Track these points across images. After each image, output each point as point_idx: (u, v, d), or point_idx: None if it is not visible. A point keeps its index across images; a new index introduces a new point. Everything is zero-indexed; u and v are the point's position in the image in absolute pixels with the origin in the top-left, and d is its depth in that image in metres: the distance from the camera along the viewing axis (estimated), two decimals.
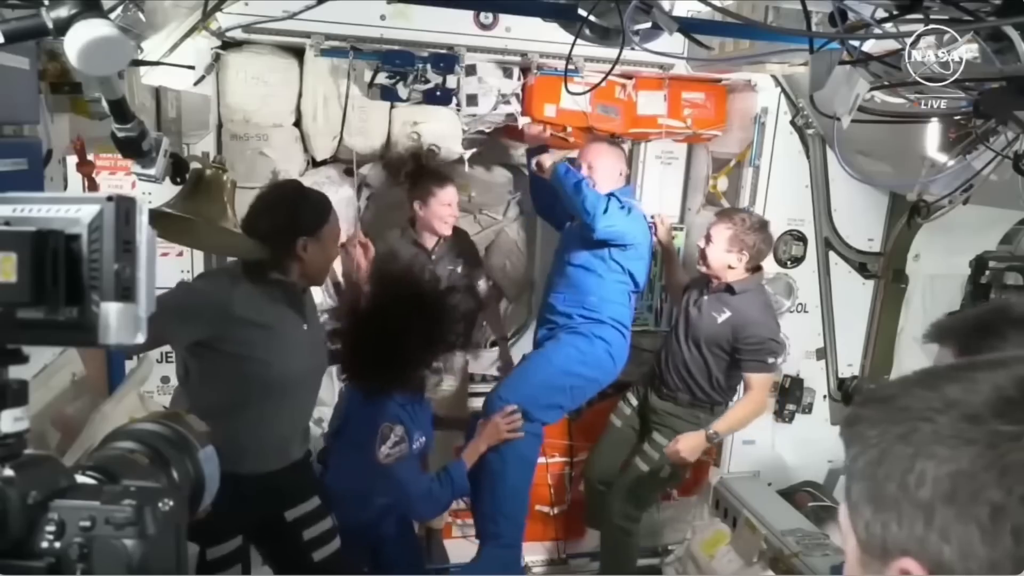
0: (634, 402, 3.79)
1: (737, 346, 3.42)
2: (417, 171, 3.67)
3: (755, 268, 3.53)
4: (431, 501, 2.94)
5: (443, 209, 3.66)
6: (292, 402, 2.45)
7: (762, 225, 3.48)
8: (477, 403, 4.86)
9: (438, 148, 3.65)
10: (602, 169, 3.60)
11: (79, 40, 1.19)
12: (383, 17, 3.32)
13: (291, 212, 2.38)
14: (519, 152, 4.16)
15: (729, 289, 3.45)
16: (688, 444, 3.46)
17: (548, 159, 3.61)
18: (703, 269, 3.52)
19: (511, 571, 3.46)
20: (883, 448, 0.70)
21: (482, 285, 4.01)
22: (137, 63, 2.40)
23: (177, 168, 2.18)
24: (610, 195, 3.50)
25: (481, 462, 3.32)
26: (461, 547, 4.28)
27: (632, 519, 3.69)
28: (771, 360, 3.45)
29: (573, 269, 3.60)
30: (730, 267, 3.43)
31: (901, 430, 0.69)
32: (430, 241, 3.76)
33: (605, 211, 3.41)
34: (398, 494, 2.84)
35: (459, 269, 3.82)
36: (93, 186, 2.39)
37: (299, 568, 2.50)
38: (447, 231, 3.75)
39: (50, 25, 1.21)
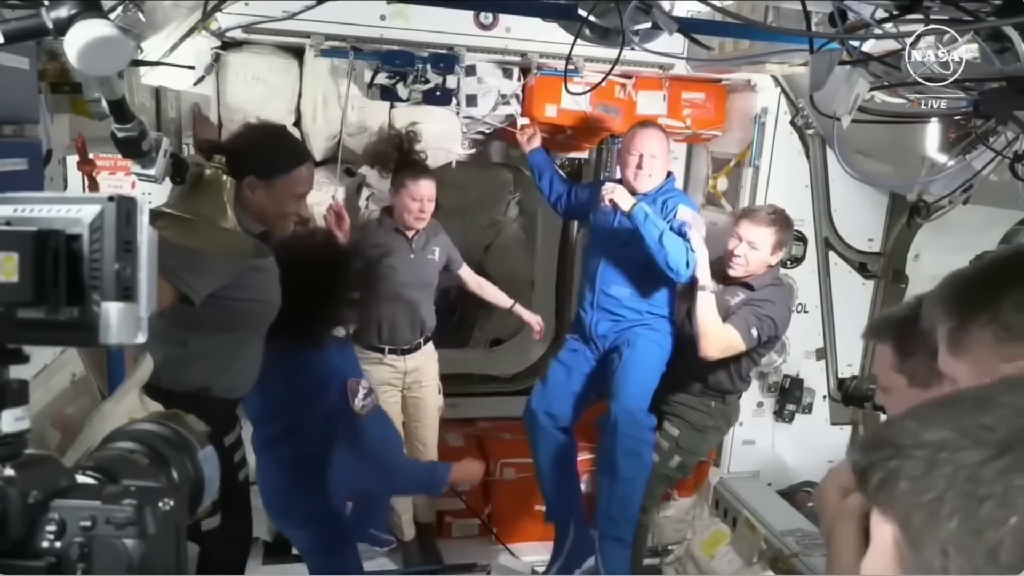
0: (652, 419, 3.66)
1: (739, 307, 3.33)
2: (398, 160, 3.55)
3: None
4: (401, 470, 2.82)
5: (411, 203, 3.55)
6: (264, 332, 2.57)
7: (787, 217, 3.43)
8: (489, 404, 4.91)
9: (416, 132, 3.56)
10: (660, 156, 3.45)
11: (79, 40, 1.19)
12: (383, 17, 3.32)
13: (247, 145, 2.36)
14: (519, 152, 4.16)
15: (748, 286, 3.38)
16: (621, 194, 3.33)
17: (624, 198, 3.33)
18: (738, 273, 3.37)
19: (627, 569, 3.52)
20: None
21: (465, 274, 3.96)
22: (137, 63, 2.40)
23: (177, 168, 2.18)
24: (688, 245, 3.32)
25: (614, 471, 3.41)
26: (461, 547, 4.28)
27: (641, 509, 3.66)
28: (754, 331, 3.28)
29: (638, 266, 3.46)
30: (769, 266, 3.39)
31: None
32: (410, 230, 3.66)
33: (688, 264, 3.31)
34: (371, 452, 2.78)
35: (437, 258, 3.77)
36: (94, 185, 2.39)
37: (230, 483, 2.61)
38: (416, 224, 3.61)
39: (50, 25, 1.21)
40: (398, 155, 3.53)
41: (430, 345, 3.85)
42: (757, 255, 3.33)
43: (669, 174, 3.56)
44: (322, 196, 3.53)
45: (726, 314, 3.36)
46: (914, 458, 0.67)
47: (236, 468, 2.65)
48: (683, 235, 3.32)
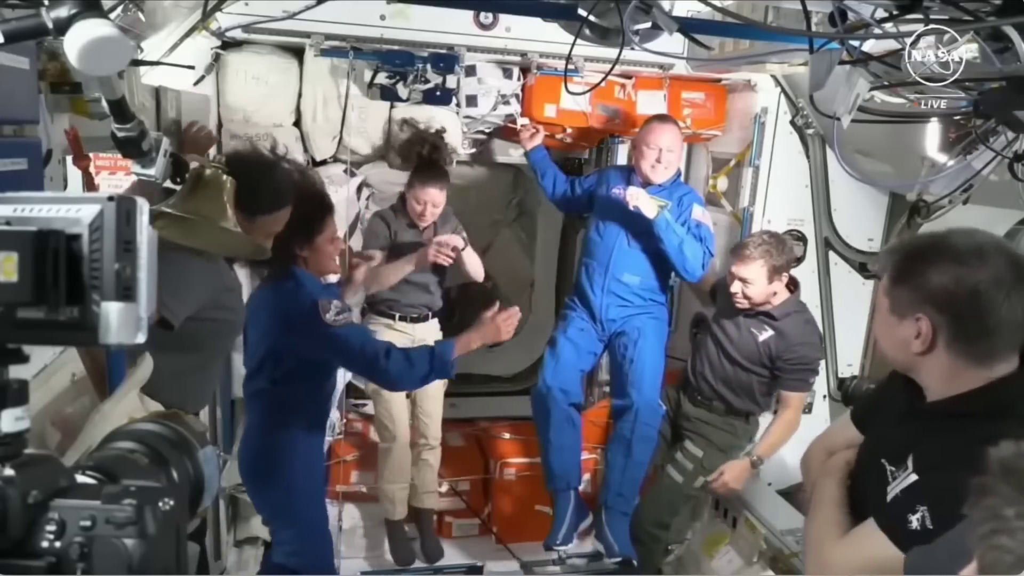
0: (663, 408, 3.75)
1: (779, 364, 3.38)
2: (419, 160, 3.67)
3: (791, 285, 3.46)
4: (400, 361, 2.65)
5: (415, 205, 3.68)
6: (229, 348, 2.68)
7: (780, 240, 3.40)
8: (489, 404, 4.91)
9: (444, 131, 3.68)
10: (676, 151, 3.63)
11: (79, 40, 1.19)
12: (383, 17, 3.32)
13: (238, 179, 2.33)
14: (519, 152, 4.16)
15: (770, 315, 3.39)
16: (734, 474, 3.45)
17: (648, 205, 3.47)
18: (744, 306, 3.41)
19: (629, 537, 3.70)
20: None
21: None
22: (137, 63, 2.39)
23: (177, 168, 2.18)
24: (706, 247, 3.58)
25: (630, 453, 3.59)
26: (461, 547, 4.28)
27: (663, 526, 3.71)
28: (811, 380, 3.44)
29: (649, 255, 3.66)
30: (775, 294, 3.38)
31: None
32: (422, 223, 3.77)
33: (703, 267, 3.59)
34: (357, 354, 2.67)
35: None
36: (90, 180, 2.37)
37: None
38: (420, 223, 3.75)
39: (50, 25, 1.21)
40: (420, 155, 3.64)
41: (435, 322, 4.01)
42: (755, 289, 3.34)
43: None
44: None
45: (755, 351, 3.41)
46: None
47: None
48: (701, 238, 3.55)
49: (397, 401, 3.91)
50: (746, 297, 3.36)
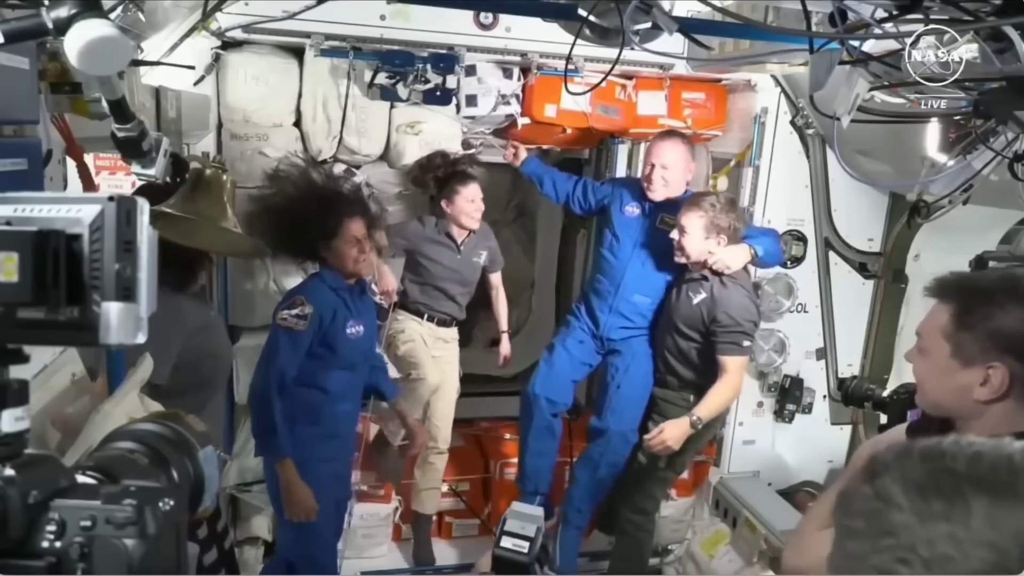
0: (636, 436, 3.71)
1: (711, 328, 3.33)
2: (442, 175, 3.80)
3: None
4: (267, 393, 2.81)
5: (467, 205, 3.81)
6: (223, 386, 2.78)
7: (731, 203, 3.39)
8: (489, 404, 4.91)
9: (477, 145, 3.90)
10: (675, 168, 3.55)
11: (79, 40, 1.19)
12: (383, 17, 3.32)
13: None
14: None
15: (704, 277, 3.37)
16: (672, 432, 3.34)
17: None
18: (682, 261, 3.40)
19: (578, 550, 3.88)
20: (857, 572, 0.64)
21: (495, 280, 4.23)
22: (137, 63, 2.39)
23: (177, 168, 2.18)
24: (771, 233, 3.64)
25: (595, 473, 3.70)
26: (461, 547, 4.28)
27: (641, 512, 3.68)
28: (745, 343, 3.35)
29: (661, 277, 3.63)
30: (711, 253, 3.31)
31: (880, 561, 0.63)
32: (459, 235, 3.90)
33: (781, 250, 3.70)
34: (264, 353, 2.91)
35: (483, 261, 4.02)
36: (85, 172, 2.36)
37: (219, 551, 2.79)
38: (473, 225, 3.89)
39: (50, 25, 1.21)
40: (437, 178, 3.80)
41: (455, 330, 4.11)
42: (690, 241, 3.31)
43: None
44: None
45: (690, 313, 3.39)
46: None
47: (220, 537, 2.72)
48: (764, 232, 3.60)
49: (419, 347, 3.95)
50: (680, 248, 3.34)
